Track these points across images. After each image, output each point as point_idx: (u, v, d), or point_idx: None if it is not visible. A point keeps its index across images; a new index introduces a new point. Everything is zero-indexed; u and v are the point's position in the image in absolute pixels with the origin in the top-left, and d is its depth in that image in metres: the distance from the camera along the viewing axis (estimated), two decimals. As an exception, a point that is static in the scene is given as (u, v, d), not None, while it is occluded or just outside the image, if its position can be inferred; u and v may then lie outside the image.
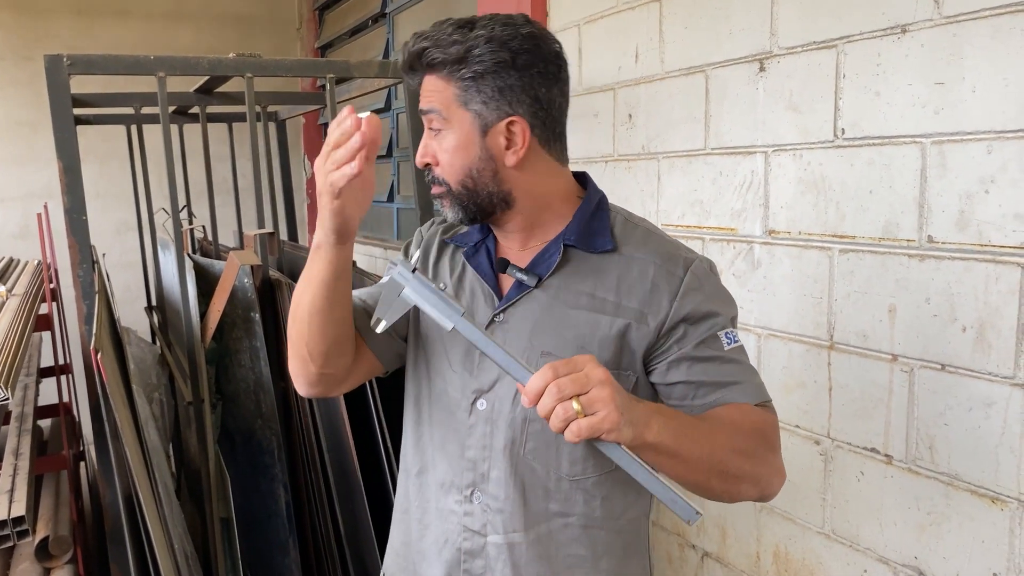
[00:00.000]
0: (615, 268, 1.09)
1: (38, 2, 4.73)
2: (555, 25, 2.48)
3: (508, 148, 1.07)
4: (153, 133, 2.67)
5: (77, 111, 2.35)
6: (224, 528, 2.34)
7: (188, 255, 2.58)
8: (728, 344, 1.07)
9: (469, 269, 1.17)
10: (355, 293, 1.20)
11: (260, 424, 2.33)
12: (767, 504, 1.89)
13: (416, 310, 0.99)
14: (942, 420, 1.49)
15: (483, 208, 1.11)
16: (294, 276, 2.54)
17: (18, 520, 1.74)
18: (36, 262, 3.87)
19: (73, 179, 2.01)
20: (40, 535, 2.05)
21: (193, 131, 3.25)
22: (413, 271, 0.97)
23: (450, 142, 1.08)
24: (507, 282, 1.14)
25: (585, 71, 2.36)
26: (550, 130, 1.10)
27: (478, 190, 1.09)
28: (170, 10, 5.05)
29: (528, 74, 1.05)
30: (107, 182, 4.58)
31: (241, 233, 3.04)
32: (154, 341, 3.64)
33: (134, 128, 3.37)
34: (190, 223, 3.65)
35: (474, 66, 1.03)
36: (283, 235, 3.53)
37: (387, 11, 4.18)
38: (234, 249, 2.80)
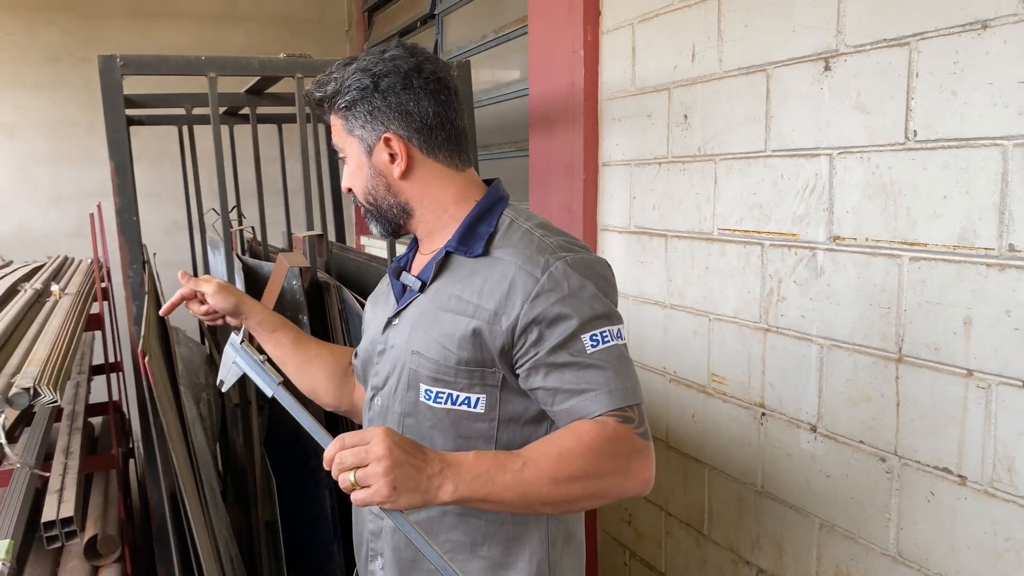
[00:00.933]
0: (483, 271, 1.15)
1: (93, 5, 4.83)
2: (608, 24, 2.42)
3: (393, 162, 1.19)
4: (204, 134, 2.69)
5: (130, 112, 2.37)
6: (269, 531, 2.33)
7: (237, 256, 2.58)
8: (593, 347, 1.08)
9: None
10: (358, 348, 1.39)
11: (306, 427, 2.31)
12: (827, 521, 1.82)
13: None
14: (1023, 440, 1.40)
15: (391, 220, 1.24)
16: (342, 278, 2.53)
17: (66, 521, 1.75)
18: (89, 261, 3.93)
19: (124, 179, 2.01)
20: (89, 533, 2.05)
21: (243, 132, 3.26)
22: (241, 342, 1.15)
23: (350, 167, 1.24)
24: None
25: (638, 71, 2.30)
26: (432, 139, 1.19)
27: (380, 204, 1.22)
28: (221, 12, 5.11)
29: (393, 93, 1.16)
30: (159, 182, 4.64)
31: (290, 234, 3.05)
32: (203, 341, 3.66)
33: (186, 129, 3.40)
34: (239, 223, 3.67)
35: (345, 96, 1.18)
36: (331, 236, 3.52)
37: (436, 12, 4.17)
38: (283, 250, 2.80)
